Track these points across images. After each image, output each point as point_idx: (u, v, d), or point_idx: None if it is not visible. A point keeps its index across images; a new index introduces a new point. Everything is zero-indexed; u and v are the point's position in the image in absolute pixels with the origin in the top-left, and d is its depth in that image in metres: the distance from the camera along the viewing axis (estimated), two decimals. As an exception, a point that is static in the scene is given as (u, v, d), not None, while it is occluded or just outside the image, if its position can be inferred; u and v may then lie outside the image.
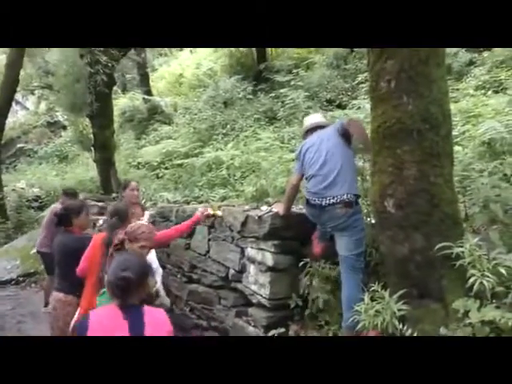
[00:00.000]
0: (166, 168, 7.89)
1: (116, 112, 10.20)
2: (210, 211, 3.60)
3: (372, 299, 2.40)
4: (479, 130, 3.64)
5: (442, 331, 2.13)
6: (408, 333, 2.21)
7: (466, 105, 4.92)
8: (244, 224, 3.43)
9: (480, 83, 6.07)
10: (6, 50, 9.58)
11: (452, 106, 2.85)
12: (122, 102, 12.78)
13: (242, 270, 3.50)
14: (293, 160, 4.53)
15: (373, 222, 2.87)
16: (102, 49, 6.49)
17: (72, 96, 6.62)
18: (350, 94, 8.08)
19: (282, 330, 3.11)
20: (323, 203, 2.77)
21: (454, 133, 3.44)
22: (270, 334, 3.11)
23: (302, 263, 3.12)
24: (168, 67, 15.86)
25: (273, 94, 8.56)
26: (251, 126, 7.91)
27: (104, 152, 7.16)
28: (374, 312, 2.31)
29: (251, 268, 3.39)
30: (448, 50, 6.40)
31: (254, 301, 3.36)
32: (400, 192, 2.37)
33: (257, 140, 6.99)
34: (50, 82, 8.48)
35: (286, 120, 7.44)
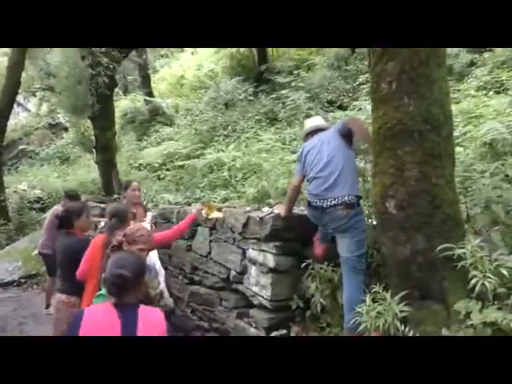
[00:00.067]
0: (168, 169, 7.90)
1: (117, 114, 10.23)
2: (204, 212, 3.58)
3: (373, 301, 2.39)
4: (480, 130, 3.64)
5: (444, 333, 2.12)
6: (410, 334, 2.21)
7: (467, 106, 4.92)
8: (245, 225, 3.43)
9: (481, 84, 6.07)
10: (8, 52, 9.62)
11: (453, 107, 2.85)
12: (123, 104, 12.81)
13: (244, 272, 3.50)
14: (294, 161, 4.53)
15: (374, 223, 2.87)
16: (103, 50, 6.51)
17: (73, 98, 6.64)
18: (350, 95, 8.08)
19: (284, 331, 3.10)
20: (324, 205, 2.77)
21: (456, 134, 3.44)
22: (272, 335, 3.10)
23: (304, 265, 3.12)
24: (169, 69, 15.89)
25: (274, 96, 8.57)
26: (252, 128, 7.92)
27: (105, 153, 7.17)
28: (375, 313, 2.31)
29: (252, 269, 3.39)
30: (449, 50, 6.41)
31: (256, 302, 3.36)
32: (401, 193, 2.37)
33: (258, 141, 7.00)
34: (52, 83, 8.49)
35: (287, 121, 7.45)
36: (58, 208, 4.88)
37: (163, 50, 16.74)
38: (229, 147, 7.28)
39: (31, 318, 5.13)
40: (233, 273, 3.61)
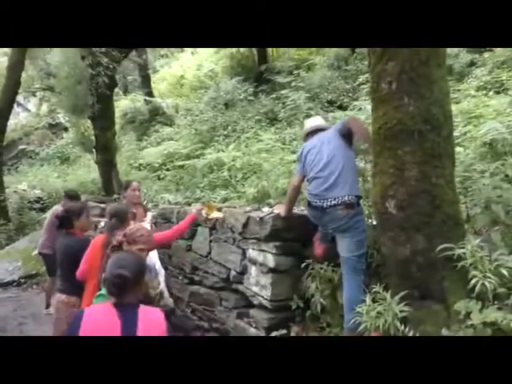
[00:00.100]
0: (168, 169, 7.90)
1: (117, 114, 10.23)
2: (204, 212, 3.58)
3: (373, 301, 2.39)
4: (480, 130, 3.64)
5: (444, 333, 2.12)
6: (410, 334, 2.21)
7: (467, 106, 4.92)
8: (245, 225, 3.43)
9: (481, 84, 6.07)
10: (8, 52, 9.61)
11: (453, 107, 2.85)
12: (123, 104, 12.81)
13: (244, 272, 3.50)
14: (294, 161, 4.53)
15: (374, 223, 2.87)
16: (103, 50, 6.52)
17: (73, 98, 6.64)
18: (350, 95, 8.08)
19: (284, 331, 3.10)
20: (324, 205, 2.77)
21: (456, 134, 3.44)
22: (272, 335, 3.10)
23: (304, 265, 3.12)
24: (169, 69, 15.89)
25: (274, 96, 8.57)
26: (252, 128, 7.92)
27: (105, 153, 7.17)
28: (375, 313, 2.31)
29: (252, 269, 3.39)
30: (449, 50, 6.41)
31: (256, 302, 3.36)
32: (401, 193, 2.37)
33: (258, 141, 7.00)
34: (52, 83, 8.50)
35: (287, 121, 7.45)
36: (58, 208, 4.88)
37: (163, 50, 16.74)
38: (229, 147, 7.28)
39: (31, 318, 5.13)
40: (233, 273, 3.61)
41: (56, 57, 7.46)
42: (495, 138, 3.44)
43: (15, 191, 9.62)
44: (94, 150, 7.34)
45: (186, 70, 14.36)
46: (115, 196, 6.37)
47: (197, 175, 6.61)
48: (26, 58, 8.76)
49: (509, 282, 2.13)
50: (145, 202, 5.22)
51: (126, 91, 14.61)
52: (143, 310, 1.83)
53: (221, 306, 3.79)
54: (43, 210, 8.80)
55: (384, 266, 2.71)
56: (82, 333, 1.72)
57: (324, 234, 3.08)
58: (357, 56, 9.14)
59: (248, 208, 3.72)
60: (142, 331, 1.74)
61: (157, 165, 8.36)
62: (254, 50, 11.11)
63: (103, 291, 2.06)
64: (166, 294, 3.56)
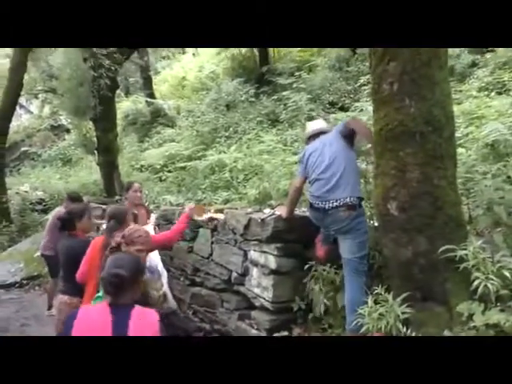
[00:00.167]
0: (169, 171, 7.91)
1: (119, 115, 10.24)
2: (195, 215, 3.60)
3: (375, 302, 2.39)
4: (482, 131, 3.63)
5: (446, 335, 2.11)
6: (412, 336, 2.20)
7: (468, 106, 4.92)
8: (247, 227, 3.42)
9: (483, 85, 6.07)
10: (10, 54, 9.64)
11: (455, 108, 2.85)
12: (125, 106, 12.84)
13: (245, 273, 3.50)
14: (295, 163, 4.53)
15: (376, 224, 2.86)
16: (105, 52, 6.54)
17: (75, 100, 6.66)
18: (352, 96, 8.09)
19: (285, 333, 3.10)
20: (326, 206, 2.77)
21: (457, 135, 3.43)
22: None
23: (307, 266, 3.11)
24: (171, 70, 15.92)
25: (275, 97, 8.57)
26: (254, 129, 7.93)
27: (107, 155, 7.19)
28: (377, 315, 2.30)
29: (254, 271, 3.39)
30: (450, 51, 6.41)
31: (257, 304, 3.35)
32: (403, 195, 2.36)
33: (260, 143, 7.01)
34: (54, 85, 8.52)
35: (288, 122, 7.45)
36: (60, 210, 4.89)
37: (164, 52, 16.76)
38: (230, 149, 7.29)
39: (33, 320, 5.13)
40: (234, 274, 3.60)
41: (58, 59, 7.49)
42: (497, 139, 3.43)
43: (17, 193, 9.64)
44: (95, 152, 7.36)
45: (188, 71, 14.38)
46: (117, 197, 6.38)
47: (198, 177, 6.62)
48: (28, 59, 8.79)
49: (511, 284, 2.13)
50: (146, 204, 5.23)
51: (127, 93, 14.65)
52: (137, 310, 1.82)
53: (222, 307, 3.78)
54: (45, 211, 8.82)
55: (386, 267, 2.70)
56: (75, 332, 1.71)
57: (326, 236, 3.07)
58: (358, 57, 9.15)
59: (249, 209, 3.71)
60: (133, 332, 1.72)
61: (158, 166, 8.38)
62: (256, 52, 11.13)
63: (101, 293, 2.06)
64: (170, 295, 3.56)
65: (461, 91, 5.90)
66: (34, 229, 8.59)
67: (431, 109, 2.32)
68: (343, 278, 2.86)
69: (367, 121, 3.90)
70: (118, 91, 8.21)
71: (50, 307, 5.14)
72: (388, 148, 2.43)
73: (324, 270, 3.05)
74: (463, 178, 3.03)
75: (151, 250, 3.08)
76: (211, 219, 3.86)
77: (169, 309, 3.55)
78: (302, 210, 3.42)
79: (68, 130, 13.78)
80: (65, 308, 3.14)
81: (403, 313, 2.25)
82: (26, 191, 9.88)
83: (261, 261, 3.29)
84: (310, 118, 6.88)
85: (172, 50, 16.89)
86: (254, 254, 3.39)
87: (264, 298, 3.24)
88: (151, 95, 12.77)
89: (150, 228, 3.83)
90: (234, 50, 11.52)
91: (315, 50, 10.70)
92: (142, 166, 9.08)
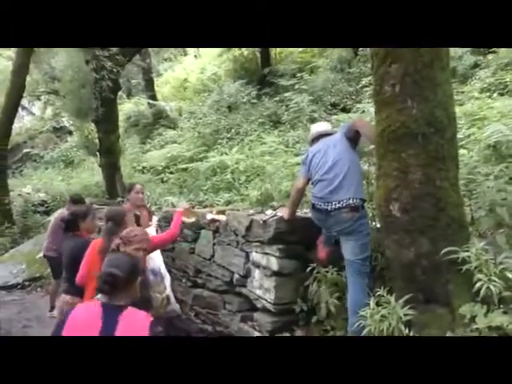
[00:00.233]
0: (171, 172, 7.93)
1: (121, 117, 10.26)
2: (185, 217, 3.63)
3: (378, 304, 2.38)
4: (484, 133, 3.62)
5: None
6: (414, 338, 2.20)
7: (471, 108, 4.91)
8: (249, 228, 3.42)
9: (485, 86, 6.06)
10: (13, 56, 9.68)
11: (457, 109, 2.84)
12: (127, 107, 12.88)
13: (247, 275, 3.50)
14: (297, 164, 4.53)
15: (378, 226, 2.86)
16: (107, 54, 6.56)
17: (78, 101, 6.69)
18: (354, 97, 8.09)
19: (287, 334, 3.09)
20: (329, 208, 2.76)
21: (459, 136, 3.43)
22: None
23: (309, 268, 3.10)
24: (172, 72, 15.96)
25: (277, 98, 8.59)
26: (256, 130, 7.94)
27: (109, 157, 7.21)
28: (379, 317, 2.29)
29: (256, 272, 3.39)
30: (452, 52, 6.40)
31: (259, 305, 3.35)
32: (405, 196, 2.36)
33: (261, 144, 7.01)
34: (56, 87, 8.55)
35: (290, 124, 7.46)
36: (62, 212, 4.90)
37: (166, 54, 16.81)
38: (232, 150, 7.30)
39: (35, 321, 5.14)
40: (236, 276, 3.60)
41: (60, 61, 7.51)
42: (499, 140, 3.42)
43: (20, 194, 9.66)
44: (97, 154, 7.38)
45: (190, 73, 14.42)
46: (119, 199, 6.39)
47: (200, 178, 6.63)
48: (30, 61, 8.82)
49: (514, 286, 2.12)
50: (148, 205, 5.24)
51: (129, 95, 14.68)
52: (129, 312, 1.80)
53: (224, 309, 3.78)
54: (47, 213, 8.84)
55: (388, 269, 2.69)
56: (65, 332, 1.71)
57: (328, 237, 3.07)
58: (360, 58, 9.15)
59: (251, 211, 3.71)
60: (120, 333, 1.71)
61: (160, 168, 8.40)
62: (257, 53, 11.15)
63: (99, 296, 2.06)
64: (173, 298, 3.55)
65: (463, 92, 5.89)
66: (36, 230, 8.61)
67: (433, 110, 2.31)
68: (345, 279, 2.86)
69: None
70: (120, 93, 8.22)
71: (52, 308, 5.15)
72: (390, 149, 2.43)
73: (327, 272, 3.05)
74: (465, 180, 3.02)
75: (150, 251, 3.09)
76: (213, 221, 3.86)
77: (173, 312, 3.54)
78: (303, 212, 3.42)
79: (70, 132, 13.80)
80: (67, 308, 3.15)
81: (405, 314, 2.24)
82: (28, 193, 9.90)
83: (263, 262, 3.29)
84: (312, 120, 6.89)
85: (174, 51, 16.95)
86: (255, 256, 3.39)
87: (266, 300, 3.24)
88: (153, 97, 12.80)
89: (152, 229, 3.84)
90: (236, 52, 11.54)
91: (317, 51, 10.71)
92: (143, 167, 9.10)
